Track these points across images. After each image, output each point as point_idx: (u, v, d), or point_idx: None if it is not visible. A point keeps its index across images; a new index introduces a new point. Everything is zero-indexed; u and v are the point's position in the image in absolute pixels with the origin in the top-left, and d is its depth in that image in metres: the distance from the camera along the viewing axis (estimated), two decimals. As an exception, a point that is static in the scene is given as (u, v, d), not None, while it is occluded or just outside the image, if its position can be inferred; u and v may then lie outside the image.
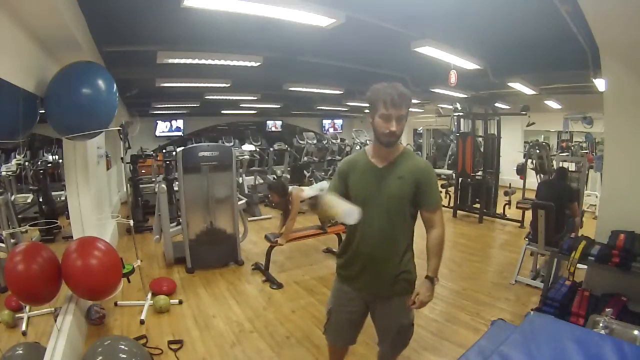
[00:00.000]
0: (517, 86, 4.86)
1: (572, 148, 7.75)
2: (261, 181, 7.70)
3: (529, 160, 6.57)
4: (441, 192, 7.11)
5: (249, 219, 5.50)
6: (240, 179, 7.01)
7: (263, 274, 3.84)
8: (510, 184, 7.87)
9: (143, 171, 6.46)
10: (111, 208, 5.75)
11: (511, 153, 8.48)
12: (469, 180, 6.34)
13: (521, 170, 6.74)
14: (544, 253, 3.39)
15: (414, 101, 8.15)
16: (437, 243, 1.55)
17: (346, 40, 3.39)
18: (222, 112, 9.75)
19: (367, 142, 8.71)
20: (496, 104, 6.48)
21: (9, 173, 4.87)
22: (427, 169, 1.55)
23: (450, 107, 6.90)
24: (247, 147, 8.24)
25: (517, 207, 5.51)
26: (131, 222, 3.08)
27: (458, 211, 6.48)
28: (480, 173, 6.32)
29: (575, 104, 6.83)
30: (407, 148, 1.62)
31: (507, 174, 8.09)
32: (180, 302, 3.22)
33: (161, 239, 4.12)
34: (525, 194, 6.77)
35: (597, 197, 5.75)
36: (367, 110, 12.66)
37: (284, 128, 11.62)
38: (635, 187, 2.53)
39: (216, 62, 3.51)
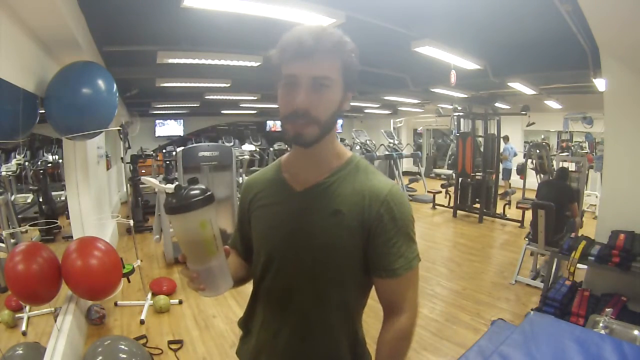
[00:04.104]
0: (517, 86, 4.86)
1: (572, 148, 7.75)
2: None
3: (529, 160, 6.58)
4: (441, 192, 7.09)
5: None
6: (240, 178, 7.01)
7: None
8: (510, 183, 7.89)
9: (143, 171, 6.46)
10: (111, 208, 5.75)
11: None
12: (469, 180, 6.35)
13: (521, 170, 6.76)
14: (544, 253, 3.39)
15: (413, 101, 8.06)
16: (398, 341, 0.80)
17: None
18: (222, 112, 9.77)
19: (367, 142, 8.61)
20: (496, 104, 6.48)
21: (9, 173, 4.88)
22: (392, 197, 0.78)
23: (450, 107, 6.89)
24: (247, 147, 8.24)
25: (517, 207, 5.52)
26: (131, 222, 3.09)
27: (458, 211, 6.48)
28: (480, 173, 6.32)
29: (575, 104, 6.83)
30: (357, 156, 0.87)
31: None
32: (180, 302, 3.22)
33: (161, 239, 4.12)
34: (525, 194, 6.78)
35: (597, 197, 5.75)
36: (367, 111, 12.42)
37: (284, 128, 11.64)
38: (635, 187, 2.54)
39: (216, 62, 3.51)
